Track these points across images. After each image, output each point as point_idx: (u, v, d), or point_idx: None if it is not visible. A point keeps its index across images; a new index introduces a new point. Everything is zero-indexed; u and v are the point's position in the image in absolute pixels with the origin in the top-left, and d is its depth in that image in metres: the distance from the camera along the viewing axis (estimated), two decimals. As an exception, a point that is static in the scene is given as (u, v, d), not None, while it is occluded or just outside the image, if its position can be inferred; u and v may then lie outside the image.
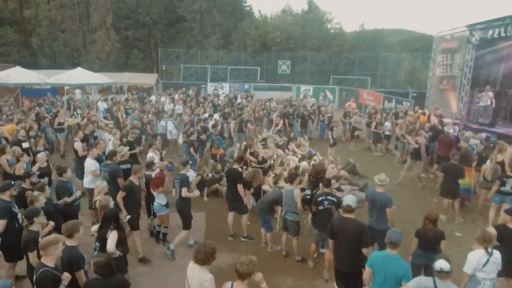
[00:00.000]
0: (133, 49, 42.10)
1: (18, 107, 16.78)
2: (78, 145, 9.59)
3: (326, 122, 17.55)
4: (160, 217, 7.55)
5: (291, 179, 7.17)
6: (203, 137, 11.79)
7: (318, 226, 6.62)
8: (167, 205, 7.51)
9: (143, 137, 11.82)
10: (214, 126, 12.02)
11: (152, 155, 8.76)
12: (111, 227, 5.37)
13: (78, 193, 7.14)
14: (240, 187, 7.61)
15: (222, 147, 11.48)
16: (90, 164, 8.21)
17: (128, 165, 8.26)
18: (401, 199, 10.53)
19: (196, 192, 7.86)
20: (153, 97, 19.86)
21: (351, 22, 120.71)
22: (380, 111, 16.79)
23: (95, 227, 5.77)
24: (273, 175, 10.34)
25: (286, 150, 13.16)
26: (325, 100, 24.95)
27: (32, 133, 10.81)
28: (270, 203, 7.46)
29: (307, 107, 19.05)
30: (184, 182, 7.28)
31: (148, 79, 23.78)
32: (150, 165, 7.74)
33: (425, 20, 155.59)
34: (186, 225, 7.39)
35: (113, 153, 7.82)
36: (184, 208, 7.34)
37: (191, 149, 11.21)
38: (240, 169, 7.84)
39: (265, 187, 9.10)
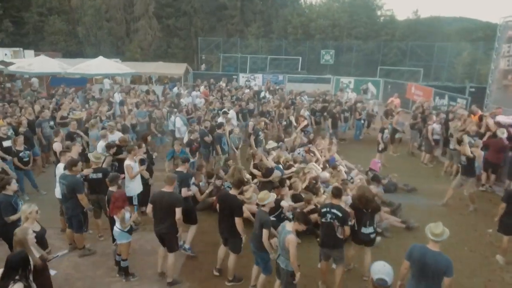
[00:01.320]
0: (173, 38, 41.63)
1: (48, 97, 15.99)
2: (57, 146, 8.41)
3: (363, 121, 15.29)
4: (119, 246, 6.05)
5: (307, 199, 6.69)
6: (208, 139, 10.19)
7: (320, 241, 6.00)
8: (130, 231, 6.01)
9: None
10: (218, 126, 10.34)
11: (129, 163, 7.30)
12: (16, 277, 3.90)
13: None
14: (239, 221, 5.74)
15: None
16: (62, 170, 6.92)
17: (100, 175, 6.89)
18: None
19: (194, 188, 7.52)
20: (175, 89, 18.61)
21: (404, 9, 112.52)
22: (429, 109, 14.24)
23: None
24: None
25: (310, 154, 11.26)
26: (367, 94, 22.39)
27: (21, 129, 9.81)
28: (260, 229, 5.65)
29: (342, 102, 16.84)
30: (184, 182, 6.84)
31: (176, 69, 22.62)
32: (114, 179, 6.21)
33: (491, 8, 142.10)
34: (194, 220, 6.87)
35: (73, 163, 6.43)
36: (186, 206, 6.29)
37: (188, 150, 9.65)
38: (239, 196, 6.08)
39: (283, 203, 7.48)
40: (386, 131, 12.08)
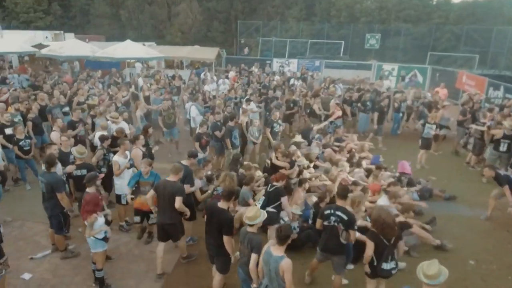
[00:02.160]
0: (213, 22, 41.06)
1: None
2: (54, 136, 7.92)
3: (402, 113, 13.69)
4: (94, 255, 5.39)
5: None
6: (219, 133, 9.32)
7: (321, 244, 5.45)
8: (105, 239, 5.33)
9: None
10: (230, 118, 9.39)
11: (116, 159, 6.61)
12: None
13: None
14: (228, 240, 4.84)
15: None
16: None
17: (84, 171, 6.28)
18: (488, 246, 6.97)
19: (198, 183, 6.83)
20: (202, 75, 17.86)
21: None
22: (479, 103, 12.41)
23: None
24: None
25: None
26: (411, 82, 20.34)
27: (30, 116, 9.50)
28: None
29: (380, 92, 15.25)
30: (187, 177, 6.30)
31: (208, 53, 21.86)
32: (91, 180, 5.51)
33: None
34: (193, 216, 6.34)
35: (50, 161, 5.80)
36: (187, 202, 5.82)
37: (197, 145, 8.85)
38: (228, 210, 5.07)
39: (288, 210, 6.35)
40: (428, 125, 10.57)
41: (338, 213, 5.17)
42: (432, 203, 8.63)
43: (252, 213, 4.39)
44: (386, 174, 8.97)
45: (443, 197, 8.87)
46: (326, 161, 9.74)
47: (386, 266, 4.77)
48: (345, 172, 8.51)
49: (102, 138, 7.36)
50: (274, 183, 6.10)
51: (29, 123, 9.38)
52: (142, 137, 7.36)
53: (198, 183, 7.09)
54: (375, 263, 4.78)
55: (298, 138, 10.24)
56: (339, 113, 12.43)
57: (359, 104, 13.40)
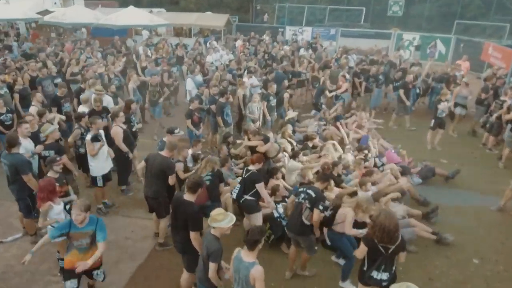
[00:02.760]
0: (228, -14, 39.29)
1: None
2: (32, 110, 7.46)
3: (418, 89, 12.63)
4: (58, 245, 5.02)
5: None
6: (215, 106, 8.69)
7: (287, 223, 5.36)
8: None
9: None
10: (221, 94, 8.71)
11: (89, 139, 6.12)
12: None
13: None
14: (195, 236, 4.35)
15: None
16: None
17: (52, 152, 5.85)
18: (495, 239, 6.31)
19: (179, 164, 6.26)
20: (213, 43, 16.99)
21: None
22: (503, 78, 11.28)
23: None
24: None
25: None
26: (430, 53, 18.95)
27: (17, 88, 9.08)
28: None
29: (396, 64, 14.18)
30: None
31: (216, 20, 20.82)
32: (49, 163, 5.08)
33: None
34: (160, 213, 5.74)
35: (11, 142, 5.35)
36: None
37: (188, 122, 8.29)
38: (195, 204, 4.51)
39: (266, 197, 5.67)
40: (442, 103, 9.63)
41: (309, 190, 4.94)
42: (438, 188, 7.96)
43: (214, 214, 3.84)
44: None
45: (446, 175, 8.13)
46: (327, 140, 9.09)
47: (376, 275, 4.12)
48: (329, 157, 7.79)
49: (78, 116, 6.88)
50: (250, 167, 5.49)
51: (16, 96, 8.98)
52: (122, 114, 6.82)
53: (180, 165, 6.62)
54: (365, 268, 4.17)
55: (291, 114, 9.52)
56: (346, 85, 11.56)
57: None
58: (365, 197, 4.98)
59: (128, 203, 7.11)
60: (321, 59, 14.98)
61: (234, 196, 5.50)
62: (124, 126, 6.93)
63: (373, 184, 6.61)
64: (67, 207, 5.18)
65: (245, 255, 3.65)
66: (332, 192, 6.45)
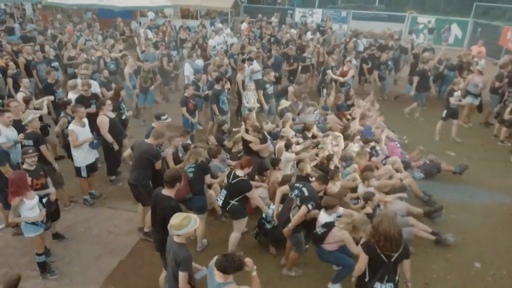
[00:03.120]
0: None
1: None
2: (19, 97, 7.21)
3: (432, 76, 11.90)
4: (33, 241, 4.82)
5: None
6: (222, 89, 8.32)
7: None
8: (41, 223, 4.72)
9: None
10: (217, 80, 8.32)
11: (72, 128, 5.83)
12: None
13: None
14: None
15: None
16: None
17: (30, 142, 5.62)
18: (500, 241, 5.90)
19: (168, 151, 6.02)
20: (218, 25, 16.45)
21: None
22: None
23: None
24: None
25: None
26: (448, 37, 18.03)
27: (10, 72, 8.86)
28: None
29: (407, 49, 13.50)
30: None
31: (223, 2, 20.17)
32: (23, 154, 4.85)
33: None
34: (144, 201, 5.53)
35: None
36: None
37: (183, 109, 7.96)
38: (174, 199, 4.22)
39: (258, 202, 5.33)
40: (456, 94, 9.04)
41: (304, 188, 4.80)
42: (443, 183, 7.52)
43: (178, 221, 3.48)
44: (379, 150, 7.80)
45: (452, 171, 7.66)
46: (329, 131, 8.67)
47: (380, 287, 3.77)
48: (327, 149, 7.40)
49: (64, 103, 6.62)
50: (238, 172, 5.13)
51: (9, 80, 8.78)
52: (109, 102, 6.52)
53: (168, 151, 6.35)
54: (367, 279, 3.78)
55: (284, 103, 9.09)
56: (352, 72, 11.02)
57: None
58: (360, 218, 4.63)
59: (116, 193, 6.90)
60: (330, 43, 14.42)
61: (220, 203, 5.15)
62: (112, 115, 6.66)
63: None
64: (44, 200, 5.01)
65: (218, 276, 3.28)
66: (335, 185, 6.16)
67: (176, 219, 3.44)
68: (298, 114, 9.44)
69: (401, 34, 18.72)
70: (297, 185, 4.96)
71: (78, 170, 6.19)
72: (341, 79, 10.70)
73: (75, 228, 5.98)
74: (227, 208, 5.15)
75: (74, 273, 5.16)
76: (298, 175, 6.51)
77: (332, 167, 6.81)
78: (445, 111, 9.21)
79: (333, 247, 4.68)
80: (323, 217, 5.15)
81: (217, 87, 8.19)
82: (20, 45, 10.76)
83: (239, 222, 5.20)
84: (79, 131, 5.93)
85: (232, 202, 5.10)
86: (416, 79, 10.44)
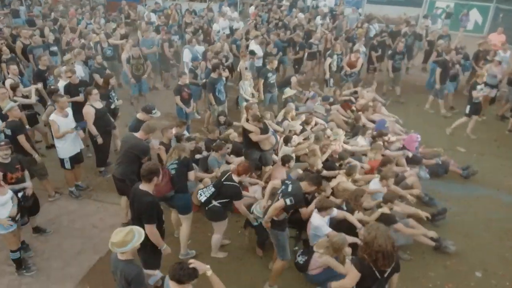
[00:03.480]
0: None
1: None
2: (7, 83, 6.97)
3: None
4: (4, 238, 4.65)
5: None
6: (219, 77, 7.93)
7: None
8: (15, 220, 4.54)
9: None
10: (213, 68, 7.83)
11: (53, 118, 5.60)
12: None
13: None
14: (150, 230, 3.82)
15: None
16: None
17: (9, 131, 5.42)
18: (504, 248, 5.47)
19: (155, 143, 5.84)
20: (225, 9, 15.95)
21: None
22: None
23: None
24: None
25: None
26: (466, 23, 17.04)
27: (4, 57, 8.65)
28: None
29: (422, 35, 12.83)
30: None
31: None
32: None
33: None
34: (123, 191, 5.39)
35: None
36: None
37: (177, 98, 7.65)
38: (151, 194, 3.96)
39: (242, 210, 5.00)
40: (479, 87, 8.34)
41: (290, 185, 4.41)
42: (449, 184, 7.07)
43: (120, 238, 3.11)
44: (396, 145, 7.36)
45: (460, 173, 7.18)
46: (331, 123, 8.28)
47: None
48: (339, 141, 7.01)
49: (51, 92, 6.39)
50: (234, 177, 4.80)
51: (3, 65, 8.58)
52: (95, 91, 6.25)
53: (155, 142, 6.09)
54: None
55: (289, 92, 8.68)
56: (360, 62, 10.46)
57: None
58: (339, 239, 4.36)
59: (104, 185, 6.69)
60: (341, 29, 13.80)
61: (202, 199, 4.86)
62: (100, 105, 6.39)
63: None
64: (20, 194, 4.83)
65: (172, 285, 3.00)
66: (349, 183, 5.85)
67: (117, 235, 3.12)
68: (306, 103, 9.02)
69: (417, 19, 17.90)
70: (287, 181, 4.62)
71: (62, 161, 5.99)
72: (349, 70, 10.16)
73: (58, 221, 5.81)
74: (207, 207, 4.86)
75: (53, 269, 5.00)
76: (305, 170, 6.19)
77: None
78: (468, 107, 8.50)
79: (319, 271, 4.39)
80: (316, 218, 4.86)
81: (214, 75, 7.82)
82: (18, 28, 10.55)
83: (218, 224, 4.93)
84: (61, 121, 5.69)
85: (215, 203, 4.80)
86: (438, 70, 9.64)
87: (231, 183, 4.75)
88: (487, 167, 7.49)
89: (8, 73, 7.55)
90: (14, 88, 6.62)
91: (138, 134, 5.24)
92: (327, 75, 10.09)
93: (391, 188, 5.84)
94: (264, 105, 9.11)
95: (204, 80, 8.70)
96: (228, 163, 6.71)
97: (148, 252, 4.01)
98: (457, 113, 9.66)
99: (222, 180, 4.86)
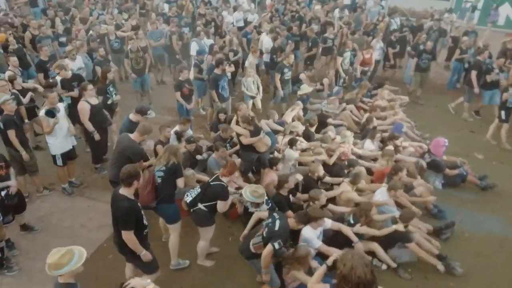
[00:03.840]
0: None
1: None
2: (7, 75, 6.87)
3: (468, 65, 10.49)
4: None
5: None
6: (222, 73, 7.61)
7: None
8: None
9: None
10: (217, 64, 7.53)
11: (43, 115, 5.47)
12: None
13: None
14: (126, 236, 3.70)
15: None
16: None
17: (1, 125, 5.32)
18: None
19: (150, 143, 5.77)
20: (241, 0, 15.51)
21: None
22: None
23: None
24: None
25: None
26: (496, 18, 16.00)
27: (11, 47, 8.61)
28: None
29: (446, 31, 12.10)
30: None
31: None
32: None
33: None
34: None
35: None
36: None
37: (177, 95, 7.41)
38: (129, 199, 3.74)
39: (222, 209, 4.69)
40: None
41: (278, 221, 4.18)
42: (462, 192, 6.56)
43: (55, 259, 2.92)
44: (408, 150, 6.90)
45: (477, 184, 6.64)
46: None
47: None
48: (348, 143, 6.62)
49: (48, 85, 6.25)
50: (222, 178, 4.52)
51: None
52: (90, 87, 6.07)
53: (150, 143, 5.90)
54: None
55: (305, 88, 8.30)
56: (371, 59, 9.90)
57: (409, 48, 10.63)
58: (302, 250, 4.10)
59: (99, 182, 6.55)
60: (361, 23, 13.19)
61: (188, 200, 4.57)
62: (96, 101, 6.21)
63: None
64: (3, 193, 4.72)
65: None
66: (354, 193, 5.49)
67: (53, 256, 2.91)
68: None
69: (443, 13, 16.98)
70: (275, 214, 4.34)
71: (53, 158, 5.86)
72: (363, 68, 9.67)
73: (48, 219, 5.70)
74: (192, 210, 4.58)
75: (36, 270, 4.85)
76: (306, 176, 5.87)
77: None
78: (502, 112, 7.80)
79: (296, 284, 4.08)
80: (307, 230, 4.55)
81: (217, 71, 7.52)
82: (27, 18, 10.52)
83: (204, 230, 4.67)
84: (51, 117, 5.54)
85: (200, 206, 4.53)
86: (473, 73, 8.92)
87: (219, 182, 4.48)
88: (506, 178, 6.92)
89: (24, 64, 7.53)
90: (12, 80, 6.52)
91: (133, 136, 5.03)
92: (341, 74, 9.59)
93: (400, 200, 5.47)
94: (276, 103, 8.78)
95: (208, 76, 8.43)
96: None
97: (138, 258, 3.88)
98: (481, 119, 9.03)
99: (210, 181, 4.60)
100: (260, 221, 4.65)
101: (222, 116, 7.21)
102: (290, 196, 5.42)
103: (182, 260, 4.97)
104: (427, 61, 9.76)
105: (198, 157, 6.21)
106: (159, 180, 4.47)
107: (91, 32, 9.91)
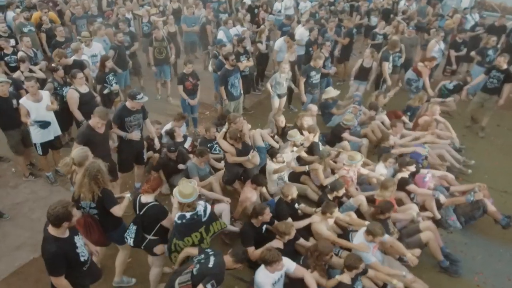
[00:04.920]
0: None
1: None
2: (19, 55, 6.88)
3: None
4: None
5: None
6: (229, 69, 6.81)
7: None
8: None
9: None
10: (226, 58, 6.77)
11: (23, 102, 5.21)
12: None
13: None
14: (56, 281, 3.21)
15: None
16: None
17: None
18: None
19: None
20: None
21: None
22: None
23: None
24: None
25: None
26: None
27: (44, 27, 8.72)
28: None
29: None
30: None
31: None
32: None
33: None
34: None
35: None
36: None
37: (180, 88, 6.89)
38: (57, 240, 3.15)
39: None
40: None
41: (212, 257, 3.57)
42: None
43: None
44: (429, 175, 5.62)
45: (499, 220, 5.16)
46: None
47: None
48: (354, 167, 5.50)
49: (53, 69, 6.11)
50: (144, 199, 3.86)
51: (42, 35, 8.73)
52: (80, 75, 5.77)
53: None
54: None
55: (331, 92, 7.27)
56: (427, 70, 8.15)
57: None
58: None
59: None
60: (425, 15, 11.42)
61: (131, 242, 3.94)
62: (86, 89, 5.91)
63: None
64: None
65: None
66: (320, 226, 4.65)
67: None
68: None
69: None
70: (208, 251, 3.68)
71: (34, 146, 5.73)
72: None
73: (20, 207, 5.59)
74: (144, 246, 3.98)
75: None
76: (280, 198, 5.06)
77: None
78: None
79: None
80: (260, 275, 3.81)
81: (227, 66, 6.80)
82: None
83: (159, 258, 4.09)
84: (31, 106, 5.33)
85: (149, 237, 3.95)
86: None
87: (148, 205, 3.83)
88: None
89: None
90: (20, 61, 6.52)
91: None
92: (388, 81, 8.09)
93: (388, 247, 4.42)
94: (304, 107, 7.78)
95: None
96: (214, 169, 5.85)
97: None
98: None
99: (138, 212, 3.91)
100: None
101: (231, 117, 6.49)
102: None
103: (127, 278, 4.51)
104: (496, 81, 7.23)
105: (181, 166, 5.63)
106: (96, 217, 3.89)
107: (127, 14, 9.68)
